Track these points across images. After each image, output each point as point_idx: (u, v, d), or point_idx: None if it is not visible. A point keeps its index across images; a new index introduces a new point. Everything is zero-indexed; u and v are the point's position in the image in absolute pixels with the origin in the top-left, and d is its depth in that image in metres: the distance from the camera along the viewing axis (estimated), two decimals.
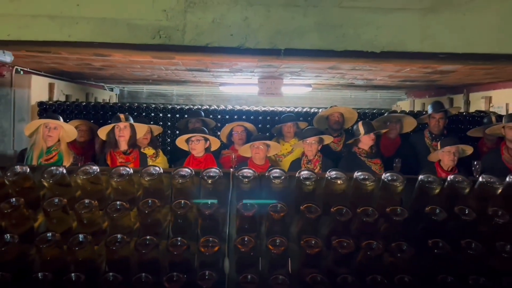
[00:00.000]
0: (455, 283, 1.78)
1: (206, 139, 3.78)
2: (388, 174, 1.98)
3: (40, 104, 5.33)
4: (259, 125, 5.30)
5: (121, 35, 1.75)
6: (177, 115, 5.37)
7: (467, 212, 1.91)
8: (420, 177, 1.99)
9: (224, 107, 5.68)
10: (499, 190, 1.97)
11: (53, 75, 5.91)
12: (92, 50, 2.61)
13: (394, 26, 1.78)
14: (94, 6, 1.77)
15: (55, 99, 5.87)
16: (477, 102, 5.85)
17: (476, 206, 1.95)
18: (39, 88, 5.59)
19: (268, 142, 3.88)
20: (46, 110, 5.31)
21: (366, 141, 3.67)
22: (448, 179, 2.00)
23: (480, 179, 2.00)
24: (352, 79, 5.68)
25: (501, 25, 1.78)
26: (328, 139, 3.91)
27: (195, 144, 3.72)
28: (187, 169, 2.01)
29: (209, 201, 1.91)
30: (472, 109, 5.91)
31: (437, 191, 1.96)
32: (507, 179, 2.00)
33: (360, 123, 3.74)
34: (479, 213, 1.91)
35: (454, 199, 1.97)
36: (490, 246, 1.85)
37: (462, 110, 5.99)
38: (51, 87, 5.89)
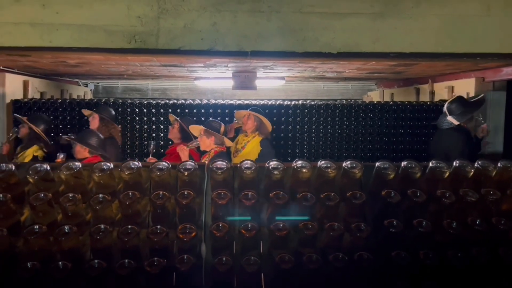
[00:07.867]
0: (408, 257, 2.00)
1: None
2: (348, 162, 2.18)
3: (15, 102, 5.35)
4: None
5: (99, 40, 1.88)
6: (153, 110, 5.48)
7: (418, 194, 2.12)
8: (377, 164, 2.19)
9: (199, 101, 5.81)
10: (447, 174, 2.19)
11: (27, 73, 5.89)
12: (72, 55, 2.72)
13: (349, 29, 1.97)
14: (73, 13, 1.89)
15: (30, 96, 5.87)
16: (441, 92, 6.16)
17: (426, 188, 2.17)
18: (13, 86, 5.58)
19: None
20: (21, 108, 5.34)
21: None
22: (402, 165, 2.21)
23: (430, 164, 2.23)
24: (322, 72, 5.89)
25: (441, 28, 1.99)
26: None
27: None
28: (164, 163, 2.16)
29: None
30: (436, 98, 6.23)
31: (392, 176, 2.17)
32: (454, 163, 2.23)
33: None
34: (429, 195, 2.13)
35: (407, 183, 2.18)
36: (438, 224, 2.08)
37: (427, 100, 6.31)
38: (25, 84, 5.88)
